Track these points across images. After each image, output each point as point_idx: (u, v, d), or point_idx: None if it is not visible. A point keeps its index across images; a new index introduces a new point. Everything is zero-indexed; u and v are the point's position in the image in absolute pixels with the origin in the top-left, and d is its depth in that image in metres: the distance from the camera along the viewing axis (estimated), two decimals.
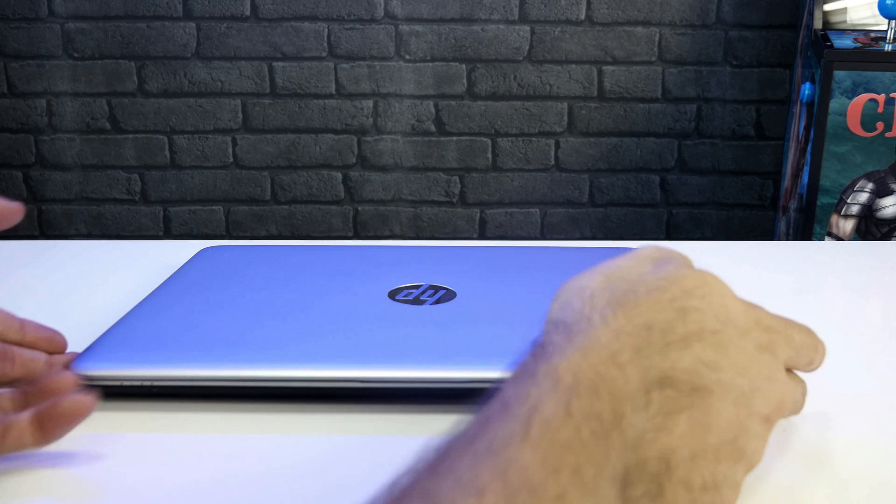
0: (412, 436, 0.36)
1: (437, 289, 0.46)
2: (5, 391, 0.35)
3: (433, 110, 2.09)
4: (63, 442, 0.33)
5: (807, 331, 0.33)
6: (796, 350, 0.32)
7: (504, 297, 0.46)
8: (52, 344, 0.39)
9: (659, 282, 0.28)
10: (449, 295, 0.45)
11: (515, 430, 0.22)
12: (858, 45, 1.59)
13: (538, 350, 0.26)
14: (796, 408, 0.32)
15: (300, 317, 0.43)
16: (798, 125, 1.80)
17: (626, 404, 0.24)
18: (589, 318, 0.26)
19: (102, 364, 0.37)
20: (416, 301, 0.44)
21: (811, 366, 0.34)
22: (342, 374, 0.37)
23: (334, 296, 0.46)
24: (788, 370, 0.32)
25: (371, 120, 2.09)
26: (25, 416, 0.33)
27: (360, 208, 2.15)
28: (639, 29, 2.03)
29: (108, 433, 0.36)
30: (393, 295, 0.45)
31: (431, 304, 0.44)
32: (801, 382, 0.33)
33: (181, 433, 0.37)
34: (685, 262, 0.31)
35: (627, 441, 0.24)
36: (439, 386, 0.37)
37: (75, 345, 0.41)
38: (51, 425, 0.32)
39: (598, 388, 0.24)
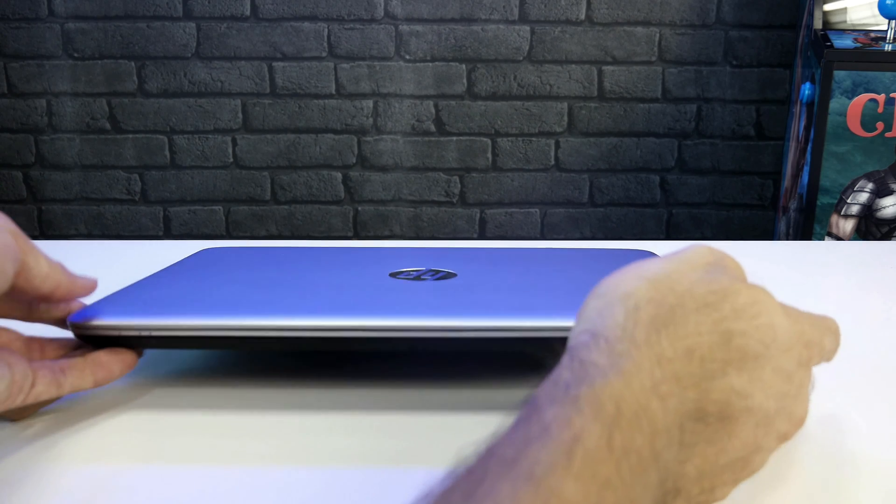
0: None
1: (437, 271, 0.46)
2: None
3: (433, 110, 2.09)
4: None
5: (835, 331, 0.33)
6: (826, 357, 0.32)
7: (504, 278, 0.46)
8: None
9: (708, 296, 0.27)
10: (449, 275, 0.45)
11: (558, 460, 0.21)
12: (858, 45, 1.59)
13: (578, 368, 0.24)
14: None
15: (301, 287, 0.44)
16: (798, 125, 1.80)
17: (663, 439, 0.24)
18: (632, 336, 0.25)
19: (94, 317, 0.38)
20: (417, 279, 0.45)
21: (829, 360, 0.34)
22: (350, 323, 0.37)
23: (336, 276, 0.46)
24: None
25: (371, 120, 2.09)
26: (83, 359, 0.37)
27: (360, 208, 2.15)
28: (639, 29, 2.03)
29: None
30: (394, 275, 0.45)
31: (433, 280, 0.44)
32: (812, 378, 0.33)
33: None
34: (738, 273, 0.30)
35: (660, 478, 0.24)
36: (457, 336, 0.37)
37: None
38: (109, 366, 0.37)
39: (639, 421, 0.23)
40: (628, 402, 0.23)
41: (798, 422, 0.29)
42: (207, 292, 0.43)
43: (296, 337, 0.37)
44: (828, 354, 0.32)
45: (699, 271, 0.28)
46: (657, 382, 0.24)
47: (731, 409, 0.26)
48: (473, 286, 0.43)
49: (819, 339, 0.31)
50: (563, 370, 0.24)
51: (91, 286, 0.39)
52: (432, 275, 0.45)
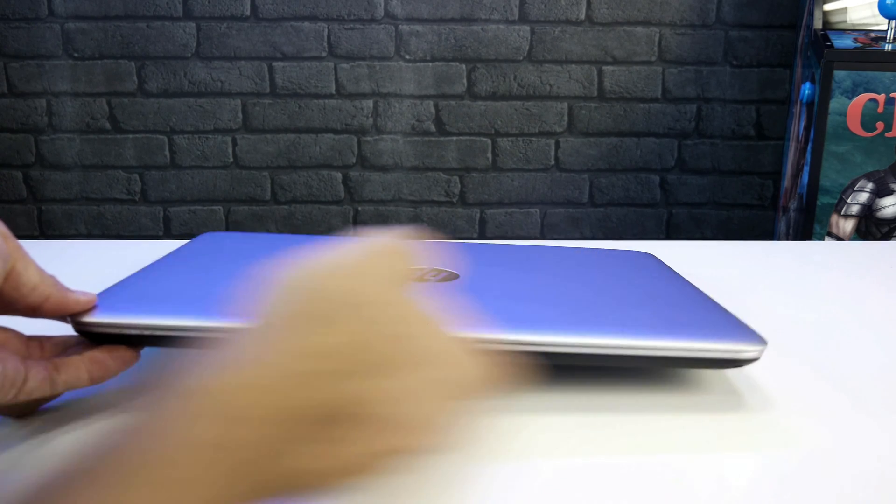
0: None
1: (440, 271, 0.46)
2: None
3: (433, 110, 2.09)
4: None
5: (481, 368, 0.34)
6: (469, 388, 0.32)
7: (506, 280, 0.46)
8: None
9: (361, 303, 0.27)
10: (452, 276, 0.45)
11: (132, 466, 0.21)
12: (858, 45, 1.59)
13: (203, 358, 0.24)
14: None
15: None
16: (798, 125, 1.80)
17: (272, 431, 0.24)
18: (260, 329, 0.25)
19: (95, 313, 0.38)
20: (421, 280, 0.44)
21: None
22: None
23: None
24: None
25: (371, 120, 2.09)
26: (79, 356, 0.36)
27: (360, 208, 2.15)
28: (639, 29, 2.03)
29: None
30: None
31: (436, 282, 0.44)
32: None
33: None
34: (401, 282, 0.29)
35: (277, 469, 0.24)
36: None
37: None
38: (105, 363, 0.37)
39: (240, 415, 0.23)
40: (231, 398, 0.23)
41: (434, 438, 0.29)
42: (210, 287, 0.43)
43: None
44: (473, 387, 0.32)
45: (365, 278, 0.28)
46: (266, 376, 0.24)
47: (365, 411, 0.25)
48: (478, 293, 0.43)
49: (474, 369, 0.31)
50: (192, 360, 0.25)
51: (88, 303, 0.38)
52: (435, 275, 0.45)
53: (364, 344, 0.26)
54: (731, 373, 0.42)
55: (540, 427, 0.36)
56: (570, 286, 0.45)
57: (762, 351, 0.37)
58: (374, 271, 0.28)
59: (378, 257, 0.29)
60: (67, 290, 0.37)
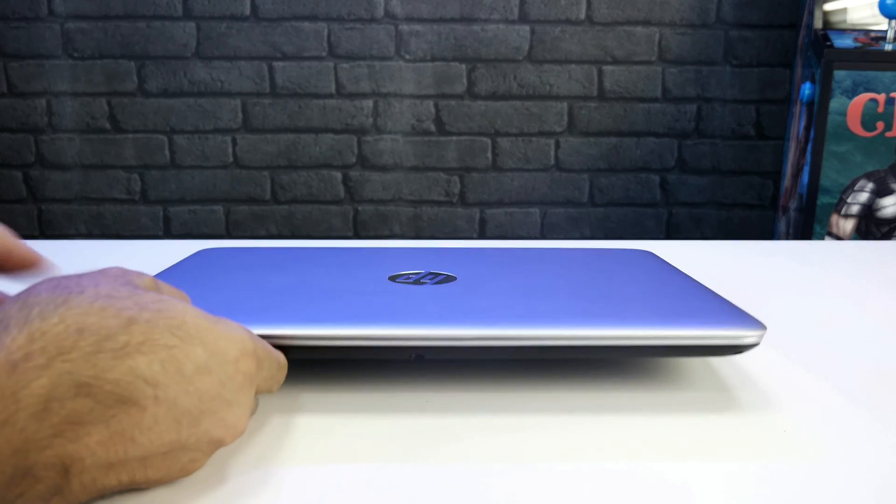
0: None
1: (436, 274, 0.46)
2: None
3: (433, 110, 2.09)
4: None
5: (283, 365, 0.35)
6: (271, 386, 0.34)
7: (504, 282, 0.46)
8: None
9: (117, 292, 0.28)
10: (449, 279, 0.45)
11: None
12: (858, 44, 1.59)
13: None
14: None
15: (301, 290, 0.43)
16: (798, 125, 1.80)
17: (12, 408, 0.24)
18: (19, 306, 0.26)
19: None
20: (417, 283, 0.44)
21: (274, 389, 0.35)
22: (344, 332, 0.37)
23: (334, 279, 0.46)
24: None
25: (371, 120, 2.09)
26: None
27: (360, 208, 2.15)
28: (639, 29, 2.03)
29: None
30: (394, 279, 0.45)
31: (432, 284, 0.44)
32: (255, 403, 0.34)
33: None
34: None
35: (12, 445, 0.24)
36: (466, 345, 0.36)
37: None
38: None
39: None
40: None
41: (233, 429, 0.29)
42: (207, 300, 0.43)
43: (308, 346, 0.37)
44: (273, 384, 0.34)
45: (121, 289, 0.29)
46: (20, 350, 0.24)
47: (132, 392, 0.26)
48: (475, 293, 0.43)
49: (268, 358, 0.32)
50: None
51: (38, 262, 0.36)
52: (432, 278, 0.45)
53: (127, 323, 0.27)
54: (728, 370, 0.42)
55: (522, 427, 0.36)
56: (567, 282, 0.45)
57: (762, 336, 0.37)
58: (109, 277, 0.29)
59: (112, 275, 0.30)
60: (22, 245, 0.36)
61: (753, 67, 2.05)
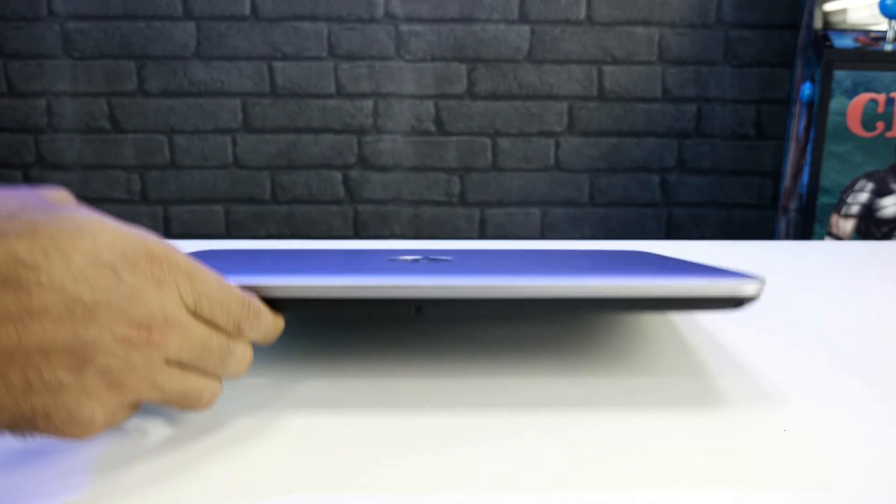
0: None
1: (435, 259, 0.46)
2: None
3: (433, 110, 2.09)
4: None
5: (258, 312, 0.33)
6: (211, 302, 0.31)
7: (502, 266, 0.46)
8: None
9: (14, 195, 0.28)
10: (447, 262, 0.46)
11: None
12: (858, 44, 1.59)
13: None
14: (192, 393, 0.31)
15: (301, 261, 0.43)
16: (798, 125, 1.80)
17: None
18: None
19: None
20: (415, 262, 0.45)
21: (251, 333, 0.33)
22: (342, 283, 0.36)
23: (336, 259, 0.46)
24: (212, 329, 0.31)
25: (371, 120, 2.09)
26: None
27: (360, 208, 2.15)
28: (639, 29, 2.03)
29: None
30: (393, 260, 0.46)
31: (427, 261, 0.44)
32: (214, 381, 0.32)
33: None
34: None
35: None
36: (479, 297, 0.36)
37: None
38: None
39: None
40: None
41: (145, 325, 0.28)
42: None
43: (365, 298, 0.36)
44: (218, 307, 0.31)
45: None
46: None
47: (13, 274, 0.26)
48: (473, 265, 0.43)
49: (187, 269, 0.30)
50: None
51: None
52: (430, 261, 0.46)
53: (16, 207, 0.27)
54: (727, 369, 0.42)
55: (521, 425, 0.36)
56: (566, 261, 0.46)
57: (761, 288, 0.37)
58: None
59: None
60: None
61: (753, 67, 2.05)
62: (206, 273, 0.31)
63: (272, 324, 0.34)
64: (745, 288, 0.37)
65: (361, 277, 0.36)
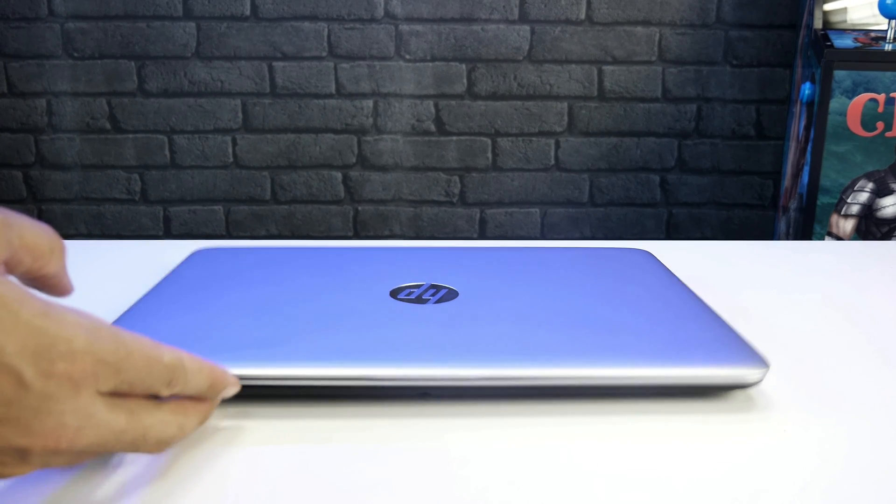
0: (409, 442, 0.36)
1: (438, 288, 0.46)
2: None
3: (433, 110, 2.09)
4: None
5: (210, 374, 0.32)
6: (133, 382, 0.28)
7: (506, 297, 0.46)
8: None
9: None
10: (451, 294, 0.45)
11: None
12: (858, 44, 1.59)
13: None
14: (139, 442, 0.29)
15: (298, 315, 0.42)
16: (798, 125, 1.80)
17: None
18: None
19: None
20: (419, 300, 0.44)
21: (171, 387, 0.30)
22: (346, 372, 0.37)
23: (334, 294, 0.45)
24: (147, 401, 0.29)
25: (371, 120, 2.09)
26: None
27: (360, 208, 2.15)
28: (639, 29, 2.03)
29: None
30: (395, 294, 0.45)
31: (434, 303, 0.44)
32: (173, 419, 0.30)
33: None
34: None
35: None
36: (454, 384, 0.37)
37: None
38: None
39: None
40: None
41: (52, 437, 0.25)
42: (206, 329, 0.41)
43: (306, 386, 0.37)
44: (151, 378, 0.29)
45: None
46: None
47: None
48: (476, 314, 0.43)
49: (114, 360, 0.27)
50: None
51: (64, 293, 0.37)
52: (433, 294, 0.45)
53: None
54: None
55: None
56: (566, 302, 0.45)
57: (764, 374, 0.37)
58: None
59: None
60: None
61: (753, 67, 2.05)
62: (135, 355, 0.28)
63: (206, 378, 0.32)
64: (748, 377, 0.37)
65: (366, 364, 0.36)
